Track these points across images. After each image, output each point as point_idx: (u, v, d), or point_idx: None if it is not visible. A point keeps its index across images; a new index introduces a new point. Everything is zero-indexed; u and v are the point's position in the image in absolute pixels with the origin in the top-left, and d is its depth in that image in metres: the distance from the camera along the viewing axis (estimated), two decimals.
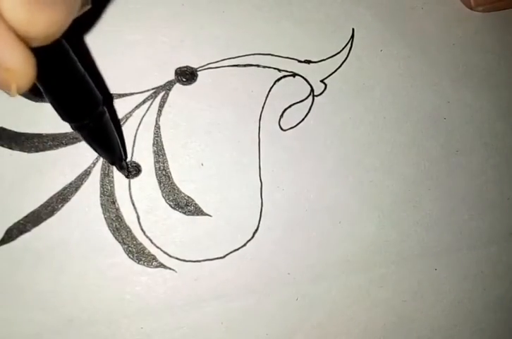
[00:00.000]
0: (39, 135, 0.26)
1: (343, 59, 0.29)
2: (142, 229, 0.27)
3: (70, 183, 0.26)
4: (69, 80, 0.20)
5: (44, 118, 0.26)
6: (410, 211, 0.31)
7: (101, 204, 0.26)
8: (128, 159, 0.27)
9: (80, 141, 0.26)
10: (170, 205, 0.27)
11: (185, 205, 0.27)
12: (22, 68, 0.14)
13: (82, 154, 0.26)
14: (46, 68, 0.18)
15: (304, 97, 0.29)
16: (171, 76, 0.27)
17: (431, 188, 0.31)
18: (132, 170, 0.26)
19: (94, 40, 0.26)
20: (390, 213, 0.30)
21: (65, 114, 0.21)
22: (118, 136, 0.24)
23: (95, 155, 0.26)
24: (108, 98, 0.26)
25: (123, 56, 0.26)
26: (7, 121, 0.25)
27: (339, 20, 0.30)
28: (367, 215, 0.30)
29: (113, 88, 0.26)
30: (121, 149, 0.25)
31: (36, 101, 0.26)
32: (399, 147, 0.31)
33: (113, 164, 0.26)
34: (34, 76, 0.15)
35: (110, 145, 0.24)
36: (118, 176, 0.27)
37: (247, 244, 0.28)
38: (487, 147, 0.32)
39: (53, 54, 0.18)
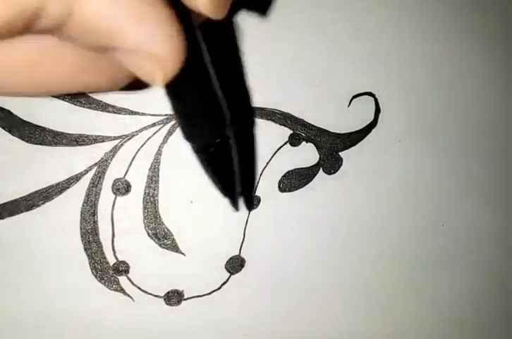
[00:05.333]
0: (42, 128, 0.25)
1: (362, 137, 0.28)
2: (113, 249, 0.26)
3: (58, 184, 0.25)
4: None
5: (55, 114, 0.25)
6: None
7: (81, 212, 0.25)
8: (121, 176, 0.25)
9: (78, 146, 0.25)
10: (148, 233, 0.26)
11: (163, 238, 0.26)
12: (172, 54, 0.12)
13: (78, 158, 0.25)
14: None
15: (311, 165, 0.27)
16: None
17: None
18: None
19: None
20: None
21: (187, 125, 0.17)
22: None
23: (91, 163, 0.25)
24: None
25: None
26: (16, 107, 0.25)
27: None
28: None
29: (126, 103, 0.25)
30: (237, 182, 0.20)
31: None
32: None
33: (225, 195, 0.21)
34: (181, 63, 0.13)
35: (225, 174, 0.20)
36: (105, 189, 0.25)
37: (213, 294, 0.26)
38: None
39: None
